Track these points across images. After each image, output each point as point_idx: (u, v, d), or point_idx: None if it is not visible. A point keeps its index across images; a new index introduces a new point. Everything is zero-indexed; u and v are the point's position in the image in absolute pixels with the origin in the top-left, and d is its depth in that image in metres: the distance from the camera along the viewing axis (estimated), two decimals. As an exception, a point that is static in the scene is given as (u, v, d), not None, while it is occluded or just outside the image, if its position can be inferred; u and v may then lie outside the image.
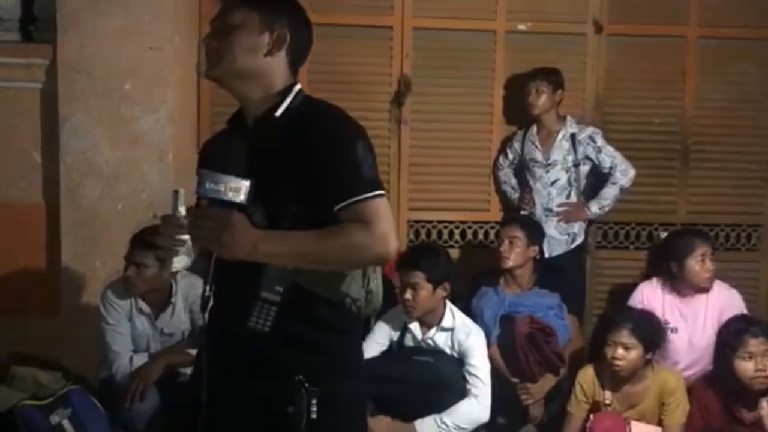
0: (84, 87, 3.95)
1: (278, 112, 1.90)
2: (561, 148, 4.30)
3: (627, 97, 4.65)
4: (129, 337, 3.54)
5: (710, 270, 3.78)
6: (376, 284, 2.00)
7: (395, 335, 3.62)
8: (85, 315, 3.88)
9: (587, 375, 3.52)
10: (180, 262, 1.78)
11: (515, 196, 4.49)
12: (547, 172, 4.33)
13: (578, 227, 4.35)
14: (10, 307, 4.07)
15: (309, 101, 1.94)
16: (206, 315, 1.93)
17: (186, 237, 1.76)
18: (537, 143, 4.36)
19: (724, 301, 3.80)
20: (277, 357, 1.87)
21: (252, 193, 1.81)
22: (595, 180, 4.37)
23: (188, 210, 1.80)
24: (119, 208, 4.01)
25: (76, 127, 3.97)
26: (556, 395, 3.70)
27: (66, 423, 3.36)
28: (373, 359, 3.48)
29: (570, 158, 4.30)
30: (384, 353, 3.62)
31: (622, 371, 3.39)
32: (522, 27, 4.56)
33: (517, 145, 4.46)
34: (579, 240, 4.37)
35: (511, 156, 4.51)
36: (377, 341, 3.61)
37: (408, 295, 3.46)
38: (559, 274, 4.15)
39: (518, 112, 4.49)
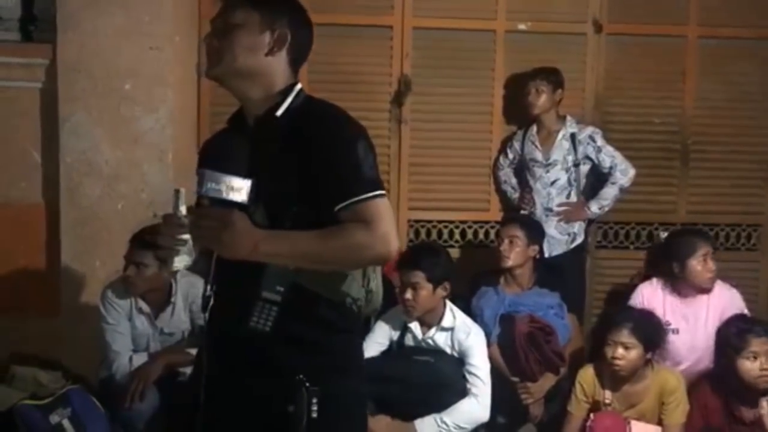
0: (84, 87, 3.95)
1: (279, 112, 1.90)
2: (561, 148, 4.30)
3: (627, 97, 4.65)
4: (129, 336, 3.54)
5: (712, 270, 3.76)
6: (376, 284, 2.01)
7: (395, 335, 3.62)
8: (84, 315, 3.88)
9: (587, 374, 3.52)
10: (181, 261, 1.78)
11: (515, 195, 4.49)
12: (547, 171, 4.33)
13: (578, 227, 4.36)
14: (10, 306, 4.07)
15: (310, 101, 1.94)
16: (207, 314, 1.93)
17: (187, 236, 1.76)
18: (537, 143, 4.36)
19: (725, 302, 3.79)
20: (278, 357, 1.87)
21: (253, 192, 1.81)
22: (595, 180, 4.37)
23: (189, 209, 1.79)
24: (119, 207, 4.01)
25: (76, 127, 3.96)
26: (556, 395, 3.70)
27: (66, 422, 3.36)
28: (373, 359, 3.48)
29: (570, 158, 4.30)
30: (384, 353, 3.62)
31: (622, 371, 3.39)
32: (522, 27, 4.56)
33: (517, 144, 4.47)
34: (579, 240, 4.37)
35: (511, 156, 4.51)
36: (377, 341, 3.61)
37: (408, 294, 3.46)
38: (559, 274, 4.15)
39: (518, 112, 4.49)
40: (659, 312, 3.74)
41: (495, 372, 3.58)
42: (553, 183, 4.32)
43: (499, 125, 4.61)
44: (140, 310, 3.54)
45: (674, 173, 4.69)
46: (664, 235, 4.11)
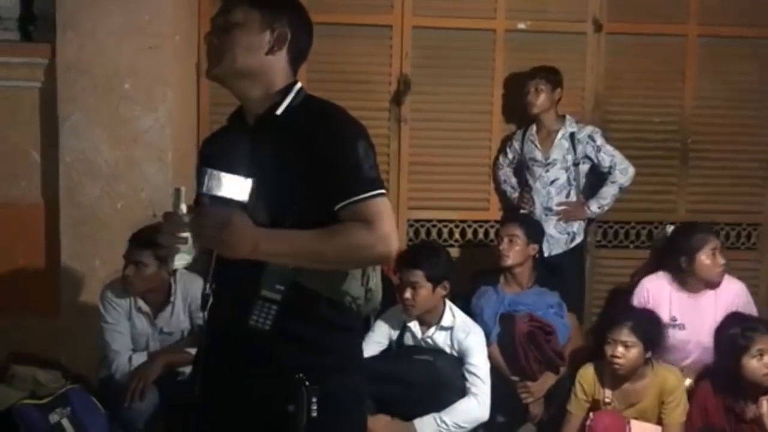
0: (83, 86, 3.95)
1: (279, 111, 1.89)
2: (560, 147, 4.30)
3: (626, 96, 4.65)
4: (128, 336, 3.54)
5: (721, 264, 3.72)
6: (376, 283, 2.00)
7: (395, 334, 3.62)
8: (84, 314, 3.88)
9: (587, 373, 3.52)
10: (181, 259, 1.78)
11: (515, 195, 4.49)
12: (547, 171, 4.33)
13: (578, 226, 4.36)
14: (10, 306, 4.06)
15: (310, 100, 1.94)
16: (206, 313, 1.93)
17: (187, 235, 1.75)
18: (536, 142, 4.36)
19: (732, 295, 3.75)
20: (278, 355, 1.87)
21: (253, 191, 1.81)
22: (594, 179, 4.37)
23: (189, 208, 1.79)
24: (119, 207, 4.00)
25: (75, 127, 3.96)
26: (556, 394, 3.70)
27: (65, 422, 3.35)
28: (373, 358, 3.48)
29: (569, 157, 4.30)
30: (383, 352, 3.62)
31: (622, 369, 3.39)
32: (521, 26, 4.56)
33: (516, 144, 4.47)
34: (578, 239, 4.37)
35: (510, 155, 4.51)
36: (377, 340, 3.61)
37: (408, 294, 3.46)
38: (558, 273, 4.15)
39: (518, 111, 4.49)
40: (665, 307, 3.72)
41: (495, 371, 3.59)
42: (552, 182, 4.32)
43: (498, 124, 4.61)
44: (139, 310, 3.54)
45: (674, 172, 4.69)
46: (670, 228, 4.03)
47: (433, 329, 3.56)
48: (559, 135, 4.31)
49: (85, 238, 4.00)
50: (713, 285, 3.76)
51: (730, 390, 3.34)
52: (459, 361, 3.51)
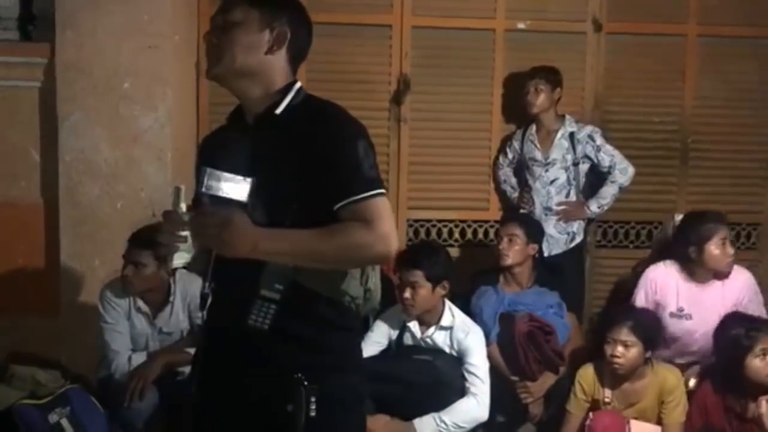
0: (83, 86, 3.95)
1: (279, 110, 1.89)
2: (560, 147, 4.30)
3: (626, 96, 4.65)
4: (128, 336, 3.54)
5: (730, 255, 3.68)
6: (375, 282, 2.00)
7: (394, 334, 3.62)
8: (84, 314, 3.88)
9: (587, 373, 3.52)
10: (180, 258, 1.78)
11: (515, 195, 4.49)
12: (547, 170, 4.33)
13: (577, 226, 4.35)
14: (9, 306, 4.06)
15: (310, 99, 1.94)
16: (204, 312, 1.93)
17: (187, 233, 1.75)
18: (536, 142, 4.36)
19: (740, 286, 3.73)
20: (276, 355, 1.87)
21: (252, 191, 1.80)
22: (594, 179, 4.37)
23: (189, 207, 1.79)
24: (118, 207, 4.00)
25: (74, 126, 3.96)
26: (556, 394, 3.69)
27: (64, 422, 3.35)
28: (372, 358, 3.47)
29: (569, 157, 4.30)
30: (383, 352, 3.61)
31: (621, 369, 3.39)
32: (521, 26, 4.56)
33: (516, 144, 4.46)
34: (578, 239, 4.37)
35: (510, 155, 4.51)
36: (376, 340, 3.61)
37: (407, 293, 3.46)
38: (558, 273, 4.15)
39: (517, 111, 4.49)
40: (673, 297, 3.70)
41: (494, 371, 3.58)
42: (552, 182, 4.32)
43: (498, 124, 4.61)
44: (139, 310, 3.54)
45: (674, 172, 4.69)
46: (678, 218, 3.95)
47: (432, 329, 3.56)
48: (559, 135, 4.31)
49: (85, 238, 4.00)
50: (721, 275, 3.72)
51: (731, 390, 3.34)
52: (458, 360, 3.51)
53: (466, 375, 3.47)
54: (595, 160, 4.30)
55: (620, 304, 3.99)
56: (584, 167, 4.34)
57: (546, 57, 4.43)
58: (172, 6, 4.01)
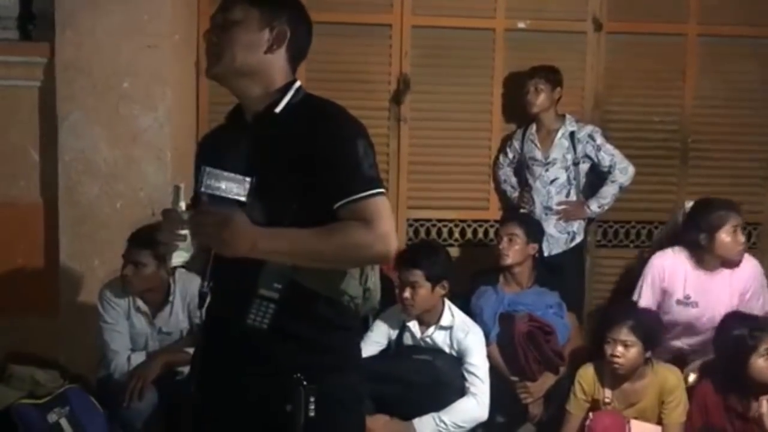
0: (82, 85, 3.94)
1: (278, 109, 1.89)
2: (560, 147, 4.30)
3: (626, 96, 4.64)
4: (127, 335, 3.53)
5: (741, 243, 3.66)
6: (374, 282, 2.00)
7: (394, 334, 3.62)
8: (83, 314, 3.87)
9: (587, 373, 3.51)
10: (179, 257, 1.77)
11: (515, 194, 4.48)
12: (547, 170, 4.32)
13: (578, 226, 4.35)
14: (9, 305, 4.05)
15: (309, 98, 1.94)
16: (203, 312, 1.92)
17: (186, 232, 1.75)
18: (536, 142, 4.35)
19: (748, 275, 3.70)
20: (275, 354, 1.86)
21: (252, 190, 1.80)
22: (594, 178, 4.37)
23: (188, 206, 1.79)
24: (118, 206, 4.00)
25: (74, 126, 3.96)
26: (556, 394, 3.69)
27: (63, 422, 3.35)
28: (372, 358, 3.47)
29: (569, 156, 4.30)
30: (382, 352, 3.61)
31: (621, 369, 3.38)
32: (521, 25, 4.55)
33: (516, 143, 4.46)
34: (578, 238, 4.37)
35: (510, 155, 4.50)
36: (376, 340, 3.61)
37: (407, 293, 3.46)
38: (558, 273, 4.15)
39: (517, 111, 4.49)
40: (680, 284, 3.68)
41: (494, 371, 3.58)
42: (552, 182, 4.32)
43: (498, 124, 4.60)
44: (138, 309, 3.54)
45: (674, 172, 4.68)
46: (688, 205, 3.88)
47: (432, 329, 3.56)
48: (559, 134, 4.31)
49: (84, 238, 4.00)
50: (731, 263, 3.69)
51: (732, 389, 3.33)
52: (458, 360, 3.51)
53: (466, 375, 3.47)
54: (596, 160, 4.30)
55: (625, 294, 3.94)
56: (584, 167, 4.34)
57: (546, 56, 4.42)
58: (171, 5, 4.01)
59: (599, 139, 4.29)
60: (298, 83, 1.94)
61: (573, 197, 4.34)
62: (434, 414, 3.37)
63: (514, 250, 3.89)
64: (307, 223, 1.78)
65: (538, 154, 4.34)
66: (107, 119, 3.97)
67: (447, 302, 3.57)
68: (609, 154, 4.27)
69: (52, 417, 3.33)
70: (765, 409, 3.24)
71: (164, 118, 4.00)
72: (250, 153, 1.87)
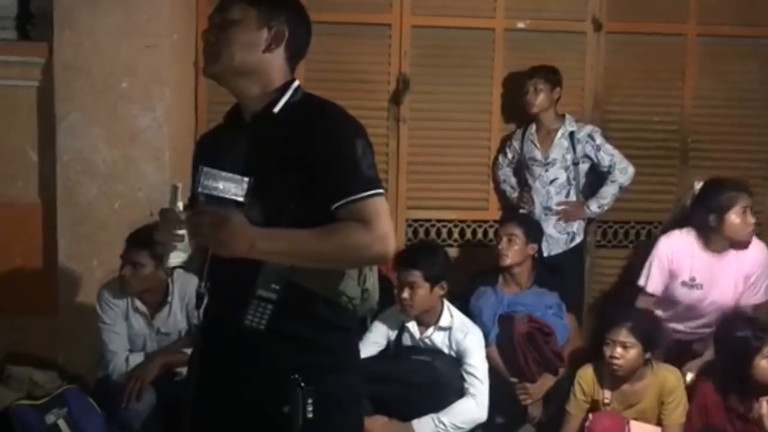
0: (81, 85, 3.94)
1: (277, 108, 1.89)
2: (560, 147, 4.29)
3: (626, 96, 4.64)
4: (125, 336, 3.53)
5: (751, 224, 3.62)
6: (372, 283, 1.99)
7: (392, 334, 3.61)
8: (81, 314, 3.87)
9: (587, 374, 3.51)
10: (177, 257, 1.77)
11: (514, 194, 4.48)
12: (546, 170, 4.32)
13: (577, 226, 4.35)
14: (7, 306, 4.05)
15: (308, 98, 1.94)
16: (200, 312, 1.92)
17: (183, 232, 1.75)
18: (536, 142, 4.35)
19: (755, 259, 3.67)
20: (273, 355, 1.86)
21: (250, 190, 1.80)
22: (594, 178, 4.36)
23: (185, 206, 1.78)
24: (116, 206, 3.99)
25: (72, 126, 3.95)
26: (555, 395, 3.68)
27: (62, 423, 3.34)
28: (371, 359, 3.46)
29: (569, 157, 4.29)
30: (381, 353, 3.60)
31: (621, 370, 3.38)
32: (521, 25, 4.55)
33: (516, 143, 4.46)
34: (578, 239, 4.36)
35: (510, 155, 4.49)
36: (374, 341, 3.60)
37: (405, 294, 3.45)
38: (558, 273, 4.14)
39: (517, 111, 4.48)
40: (686, 265, 3.65)
41: (493, 372, 3.58)
42: (552, 182, 4.31)
43: (497, 124, 4.60)
44: (137, 310, 3.53)
45: (673, 172, 4.68)
46: (698, 185, 3.83)
47: (431, 329, 3.55)
48: (559, 134, 4.30)
49: (83, 238, 3.99)
50: (739, 245, 3.65)
51: (734, 390, 3.33)
52: (457, 361, 3.50)
53: (465, 376, 3.46)
54: (595, 160, 4.29)
55: (629, 286, 3.92)
56: (584, 167, 4.33)
57: (546, 56, 4.42)
58: (170, 5, 4.00)
59: (599, 139, 4.28)
60: (296, 83, 1.93)
61: (573, 197, 4.33)
62: (433, 415, 3.37)
63: (514, 251, 3.88)
64: (305, 224, 1.77)
65: (538, 154, 4.33)
66: (106, 119, 3.96)
67: (446, 303, 3.56)
68: (609, 154, 4.26)
69: (50, 418, 3.32)
70: (765, 410, 3.24)
71: (163, 118, 4.00)
72: (248, 153, 1.86)
